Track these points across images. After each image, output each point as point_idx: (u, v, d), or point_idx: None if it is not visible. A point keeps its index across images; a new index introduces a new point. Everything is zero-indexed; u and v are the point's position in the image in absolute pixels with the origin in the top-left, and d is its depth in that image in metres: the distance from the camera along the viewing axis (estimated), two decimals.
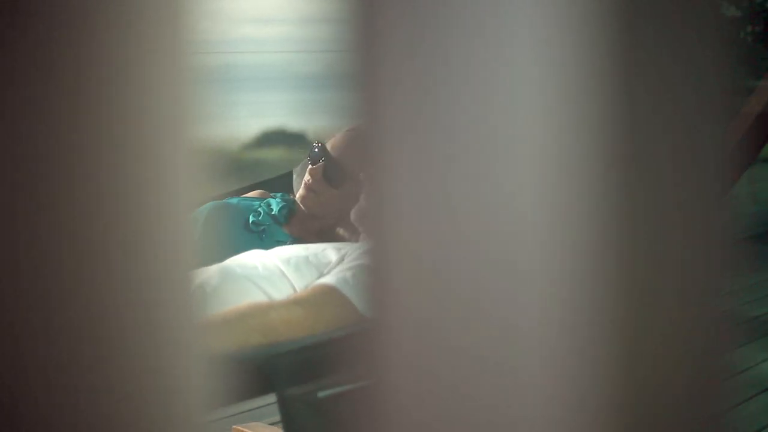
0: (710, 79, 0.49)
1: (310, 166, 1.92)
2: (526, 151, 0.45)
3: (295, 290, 1.41)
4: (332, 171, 1.90)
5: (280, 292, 1.40)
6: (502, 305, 0.45)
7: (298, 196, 1.98)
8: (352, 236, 1.84)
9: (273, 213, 1.99)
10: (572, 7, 0.44)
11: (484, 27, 0.44)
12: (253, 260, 1.50)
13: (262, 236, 1.94)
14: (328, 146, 1.92)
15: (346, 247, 1.54)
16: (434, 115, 0.45)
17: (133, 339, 0.46)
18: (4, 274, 0.45)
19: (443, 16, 0.44)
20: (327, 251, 1.52)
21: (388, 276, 0.46)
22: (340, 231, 1.94)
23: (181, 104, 0.46)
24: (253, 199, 2.09)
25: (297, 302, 1.32)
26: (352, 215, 1.70)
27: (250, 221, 1.97)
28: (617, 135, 0.46)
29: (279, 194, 2.08)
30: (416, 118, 0.45)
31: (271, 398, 1.35)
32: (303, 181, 1.95)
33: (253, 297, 1.38)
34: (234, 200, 2.06)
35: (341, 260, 1.45)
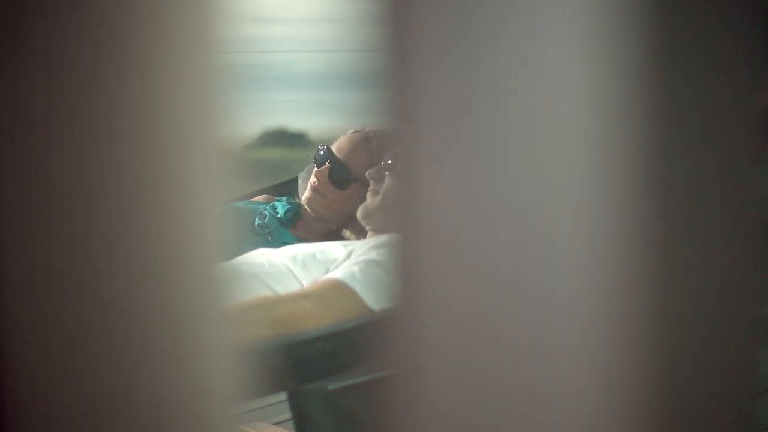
0: (742, 77, 0.49)
1: (315, 169, 1.93)
2: (564, 149, 0.45)
3: (301, 287, 1.42)
4: (338, 173, 1.91)
5: (287, 289, 1.41)
6: (541, 303, 0.46)
7: (304, 198, 1.99)
8: (359, 238, 1.85)
9: (278, 216, 2.00)
10: (610, 9, 0.44)
11: (522, 27, 0.45)
12: (259, 258, 1.51)
13: (267, 239, 1.95)
14: (334, 148, 1.93)
15: (353, 244, 1.55)
16: (471, 113, 0.45)
17: (158, 332, 0.47)
18: (35, 270, 0.45)
19: (481, 15, 0.45)
20: (334, 248, 1.53)
21: (422, 269, 0.46)
22: (347, 233, 1.95)
23: (205, 103, 0.47)
24: (258, 203, 2.10)
25: (305, 296, 1.33)
26: (359, 213, 1.71)
27: (256, 224, 1.97)
28: (655, 133, 0.46)
29: (285, 197, 2.09)
30: (453, 116, 0.45)
31: (272, 398, 1.34)
32: (309, 184, 1.96)
33: (260, 294, 1.39)
34: (240, 204, 2.07)
35: (348, 256, 1.46)
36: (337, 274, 1.37)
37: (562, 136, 0.45)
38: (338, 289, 1.34)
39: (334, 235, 1.96)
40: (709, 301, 0.49)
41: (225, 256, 0.49)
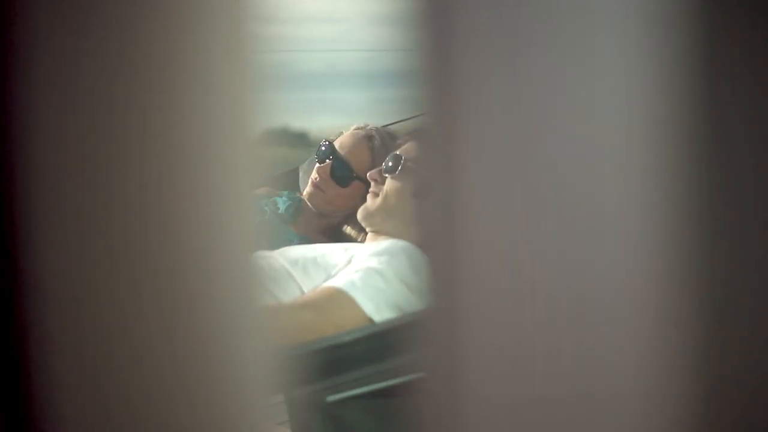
0: None
1: (317, 165, 1.92)
2: (611, 148, 0.45)
3: (302, 291, 1.42)
4: (340, 170, 1.90)
5: (287, 294, 1.41)
6: (588, 306, 0.46)
7: (305, 193, 1.99)
8: (359, 235, 1.84)
9: (279, 212, 1.99)
10: (661, 10, 0.44)
11: (570, 26, 0.44)
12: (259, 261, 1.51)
13: (268, 235, 1.94)
14: (336, 144, 1.92)
15: (354, 248, 1.55)
16: (515, 112, 0.45)
17: (200, 326, 0.47)
18: (70, 267, 0.46)
19: (526, 15, 0.44)
20: (334, 252, 1.53)
21: (462, 270, 0.46)
22: (348, 229, 1.94)
23: (243, 100, 0.47)
24: (258, 196, 2.09)
25: (305, 305, 1.33)
26: (359, 215, 1.70)
27: None
28: (706, 135, 0.45)
29: (285, 192, 2.08)
30: (497, 115, 0.45)
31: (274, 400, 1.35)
32: (310, 179, 1.96)
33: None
34: None
35: (349, 262, 1.46)
36: (337, 282, 1.37)
37: (609, 135, 0.45)
38: (338, 297, 1.34)
39: (336, 231, 1.96)
40: (756, 298, 0.49)
41: (258, 247, 0.49)
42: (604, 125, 0.45)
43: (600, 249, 0.46)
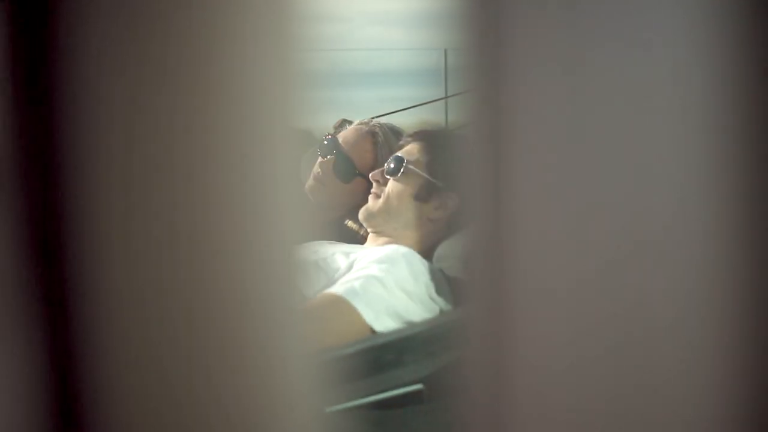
0: None
1: (320, 159, 1.91)
2: (664, 149, 0.44)
3: (302, 295, 1.42)
4: (342, 166, 1.89)
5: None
6: (634, 308, 0.45)
7: (306, 186, 1.98)
8: (360, 229, 1.84)
9: None
10: (708, 8, 0.43)
11: (620, 28, 0.44)
12: None
13: None
14: (339, 139, 1.91)
15: (356, 252, 1.54)
16: (566, 111, 0.44)
17: (246, 328, 0.48)
18: (119, 262, 0.46)
19: (579, 13, 0.44)
20: (336, 256, 1.52)
21: (510, 269, 0.46)
22: (349, 223, 1.94)
23: (286, 99, 0.47)
24: None
25: (305, 314, 1.33)
26: (360, 215, 1.70)
27: None
28: (755, 135, 0.45)
29: None
30: (549, 112, 0.44)
31: None
32: (312, 172, 1.95)
33: None
34: None
35: (350, 267, 1.45)
36: (338, 289, 1.37)
37: (661, 135, 0.44)
38: (338, 304, 1.34)
39: (336, 225, 1.95)
40: None
41: (302, 241, 0.49)
42: (660, 122, 0.44)
43: (652, 248, 0.45)
